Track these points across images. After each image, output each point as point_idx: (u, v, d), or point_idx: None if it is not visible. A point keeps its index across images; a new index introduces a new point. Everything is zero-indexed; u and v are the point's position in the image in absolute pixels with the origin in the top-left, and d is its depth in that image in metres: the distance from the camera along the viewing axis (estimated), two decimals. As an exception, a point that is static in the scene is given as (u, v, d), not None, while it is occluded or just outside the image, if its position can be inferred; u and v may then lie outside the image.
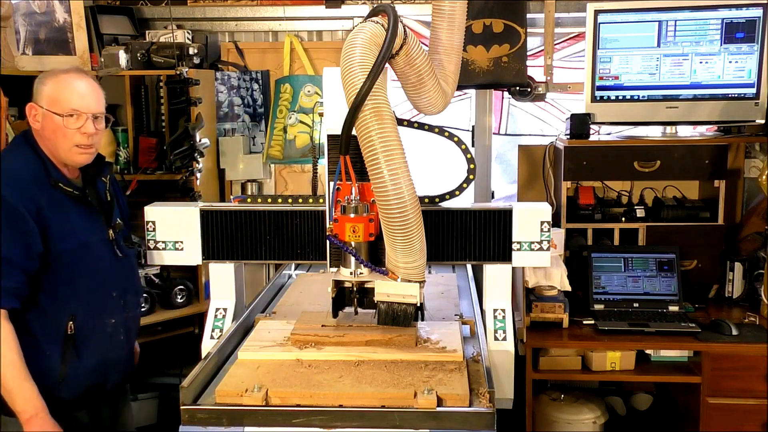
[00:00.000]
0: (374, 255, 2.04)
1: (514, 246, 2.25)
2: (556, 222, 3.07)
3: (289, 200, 2.34)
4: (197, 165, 3.26)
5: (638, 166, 3.06)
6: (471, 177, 2.26)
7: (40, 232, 1.96)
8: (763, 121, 3.07)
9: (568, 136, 3.12)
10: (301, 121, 3.67)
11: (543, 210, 2.25)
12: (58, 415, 1.99)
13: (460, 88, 2.70)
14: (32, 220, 1.95)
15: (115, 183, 2.32)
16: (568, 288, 2.86)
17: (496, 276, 2.29)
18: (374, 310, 2.03)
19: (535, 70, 3.44)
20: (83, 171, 2.16)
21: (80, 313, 2.06)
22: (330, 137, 2.08)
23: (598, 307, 3.00)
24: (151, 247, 2.31)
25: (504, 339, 2.23)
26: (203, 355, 2.06)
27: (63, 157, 2.08)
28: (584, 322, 2.90)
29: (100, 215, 2.15)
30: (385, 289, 1.96)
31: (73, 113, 2.04)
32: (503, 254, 2.26)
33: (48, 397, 1.99)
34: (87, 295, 2.07)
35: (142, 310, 3.11)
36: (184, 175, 3.25)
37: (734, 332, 2.72)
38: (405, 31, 1.95)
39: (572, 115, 3.13)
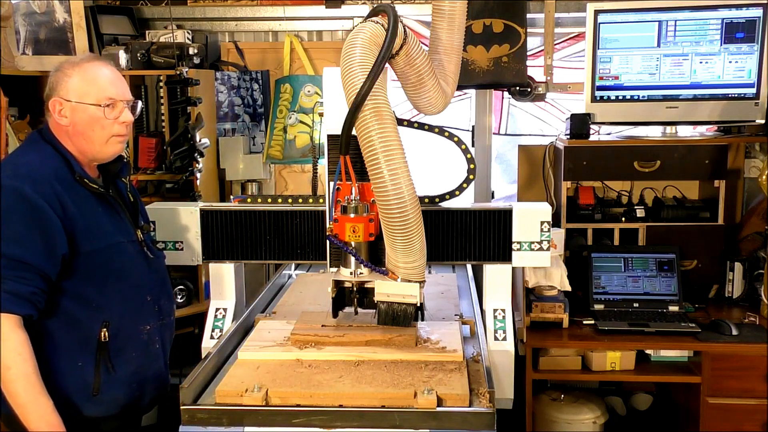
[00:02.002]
0: (374, 255, 2.04)
1: (514, 246, 2.25)
2: (556, 222, 3.07)
3: (289, 200, 2.34)
4: (197, 165, 3.26)
5: (638, 166, 3.05)
6: (471, 177, 2.26)
7: (66, 231, 1.80)
8: (763, 121, 3.07)
9: (568, 136, 3.12)
10: (301, 121, 3.67)
11: (543, 210, 2.26)
12: None
13: (460, 88, 2.70)
14: (57, 218, 1.78)
15: (133, 187, 2.15)
16: (568, 288, 2.86)
17: (496, 276, 2.29)
18: (374, 310, 2.03)
19: (535, 70, 3.44)
20: (103, 171, 2.02)
21: (114, 320, 1.90)
22: (330, 137, 2.08)
23: (598, 307, 3.00)
24: (152, 247, 2.30)
25: (504, 339, 2.23)
26: (203, 355, 2.05)
27: (96, 151, 1.93)
28: (584, 322, 2.90)
29: (126, 215, 2.00)
30: (385, 289, 1.96)
31: (110, 102, 1.91)
32: (503, 254, 2.26)
33: (79, 415, 1.86)
34: (120, 299, 1.92)
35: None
36: (184, 175, 3.25)
37: (734, 332, 2.72)
38: (405, 31, 1.95)
39: (572, 115, 3.13)
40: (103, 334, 1.88)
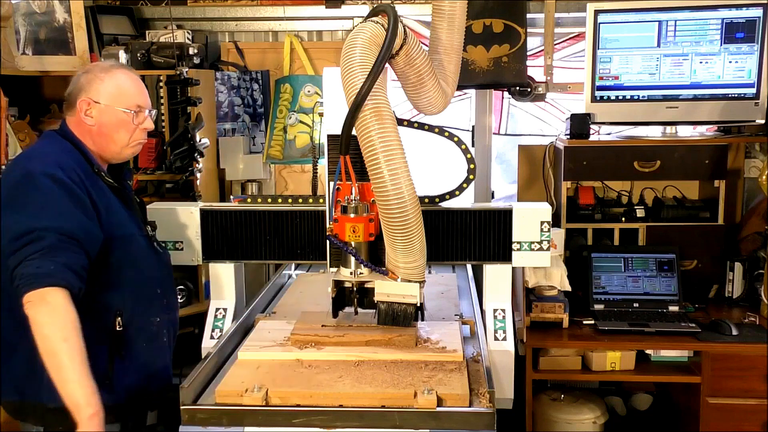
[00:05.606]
0: (374, 255, 2.04)
1: (514, 246, 2.25)
2: (556, 222, 3.07)
3: (289, 200, 2.34)
4: (197, 165, 3.26)
5: (638, 166, 3.06)
6: (471, 177, 2.26)
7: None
8: (763, 121, 3.07)
9: (568, 136, 3.12)
10: (301, 121, 3.67)
11: (543, 210, 2.26)
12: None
13: (460, 88, 2.70)
14: (89, 202, 1.84)
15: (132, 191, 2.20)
16: (568, 288, 2.86)
17: (496, 276, 2.29)
18: (374, 310, 2.03)
19: (535, 70, 3.44)
20: (111, 173, 2.05)
21: (127, 309, 1.93)
22: (330, 137, 2.09)
23: (598, 307, 3.00)
24: (151, 247, 2.30)
25: (504, 339, 2.23)
26: (203, 355, 2.05)
27: (116, 152, 2.01)
28: (584, 322, 2.90)
29: (137, 211, 2.07)
30: (385, 289, 1.96)
31: (137, 110, 1.99)
32: (503, 254, 2.26)
33: None
34: (134, 290, 1.96)
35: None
36: (184, 175, 3.25)
37: (734, 332, 2.72)
38: (405, 31, 1.96)
39: (572, 115, 3.13)
40: (117, 322, 1.91)
